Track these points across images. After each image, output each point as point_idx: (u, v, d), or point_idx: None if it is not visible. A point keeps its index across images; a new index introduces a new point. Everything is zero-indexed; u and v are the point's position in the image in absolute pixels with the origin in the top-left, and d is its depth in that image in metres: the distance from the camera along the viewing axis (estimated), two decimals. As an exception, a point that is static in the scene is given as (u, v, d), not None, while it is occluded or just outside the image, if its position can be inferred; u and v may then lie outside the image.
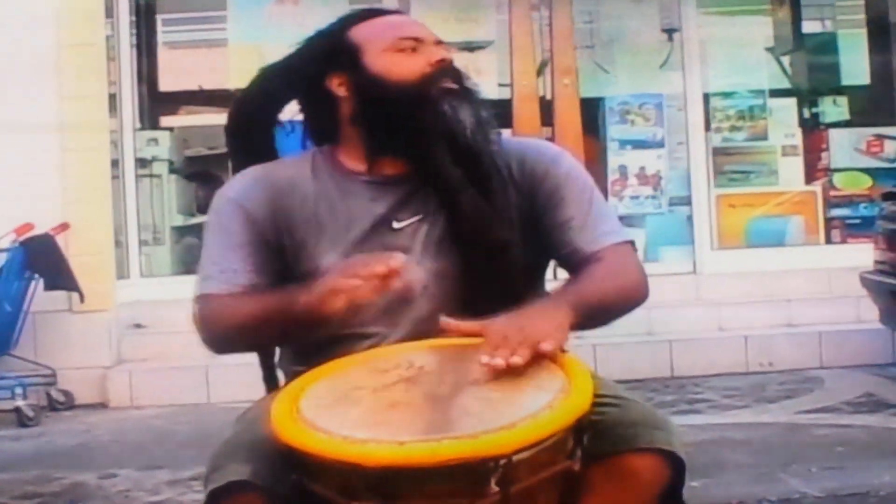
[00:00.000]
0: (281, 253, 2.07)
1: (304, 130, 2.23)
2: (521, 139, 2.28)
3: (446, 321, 1.83)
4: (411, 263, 1.90)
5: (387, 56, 2.08)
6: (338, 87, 2.11)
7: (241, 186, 2.12)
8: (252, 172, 2.14)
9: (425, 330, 1.95)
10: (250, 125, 2.21)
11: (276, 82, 2.18)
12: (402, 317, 2.01)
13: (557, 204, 2.09)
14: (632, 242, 2.13)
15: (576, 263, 2.06)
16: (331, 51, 2.12)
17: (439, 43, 2.13)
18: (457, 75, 2.10)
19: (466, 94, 2.08)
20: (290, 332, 1.98)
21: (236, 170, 2.19)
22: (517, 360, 1.72)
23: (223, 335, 2.02)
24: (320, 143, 2.18)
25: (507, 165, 2.11)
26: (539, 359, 1.75)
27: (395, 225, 2.05)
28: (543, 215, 2.10)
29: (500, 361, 1.72)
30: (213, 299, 2.02)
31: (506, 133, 2.19)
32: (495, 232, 2.02)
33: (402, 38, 2.09)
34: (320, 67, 2.12)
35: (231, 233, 2.06)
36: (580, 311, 1.88)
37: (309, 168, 2.12)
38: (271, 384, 2.19)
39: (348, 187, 2.09)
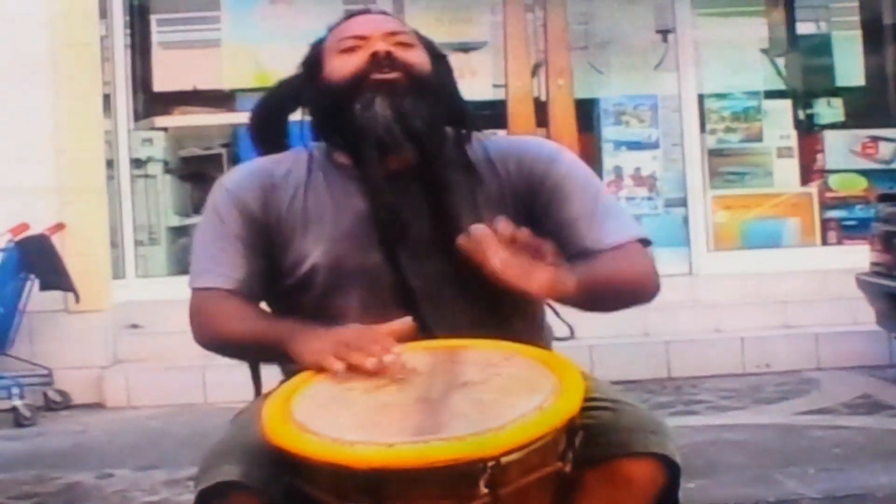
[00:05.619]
0: (271, 244, 2.06)
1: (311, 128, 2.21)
2: (518, 138, 2.23)
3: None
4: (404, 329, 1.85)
5: (333, 60, 2.07)
6: None
7: (238, 177, 2.13)
8: (250, 164, 2.16)
9: (420, 331, 1.90)
10: (267, 126, 2.22)
11: (283, 97, 2.20)
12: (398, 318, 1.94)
13: (560, 203, 2.03)
14: (645, 240, 2.05)
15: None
16: (312, 64, 2.13)
17: (390, 34, 2.07)
18: (394, 64, 2.02)
19: (408, 83, 2.01)
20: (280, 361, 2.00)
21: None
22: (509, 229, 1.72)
23: (213, 340, 2.03)
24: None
25: (502, 165, 2.06)
26: (530, 361, 1.75)
27: None
28: (546, 217, 2.03)
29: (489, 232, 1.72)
30: (210, 298, 2.03)
31: (501, 133, 2.15)
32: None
33: (345, 39, 2.07)
34: (308, 81, 2.13)
35: (226, 224, 2.07)
36: (585, 285, 1.80)
37: (305, 162, 2.12)
38: (259, 385, 2.18)
39: (339, 182, 2.07)
